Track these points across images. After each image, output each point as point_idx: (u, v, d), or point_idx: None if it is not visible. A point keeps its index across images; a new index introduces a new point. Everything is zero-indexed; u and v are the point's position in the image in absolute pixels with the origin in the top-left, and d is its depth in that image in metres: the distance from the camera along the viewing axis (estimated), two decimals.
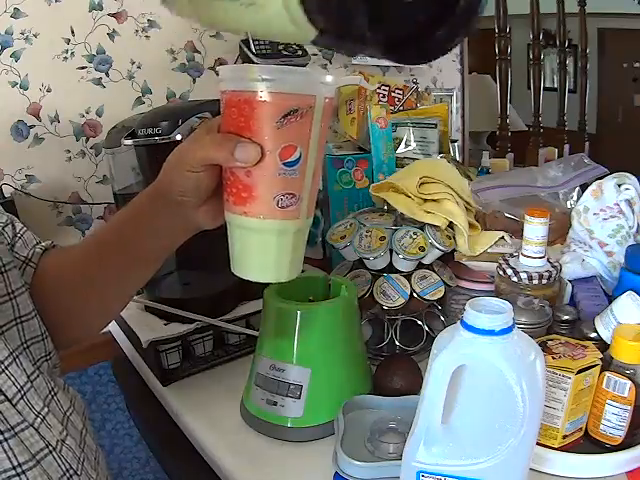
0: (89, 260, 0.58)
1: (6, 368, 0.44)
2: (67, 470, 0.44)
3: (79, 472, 0.46)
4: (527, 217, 0.70)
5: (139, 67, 1.10)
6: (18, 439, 0.42)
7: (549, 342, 0.58)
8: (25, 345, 0.49)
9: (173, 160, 0.50)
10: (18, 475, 0.41)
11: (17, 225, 0.60)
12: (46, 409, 0.46)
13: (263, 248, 0.48)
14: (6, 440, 0.41)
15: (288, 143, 0.44)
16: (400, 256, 0.73)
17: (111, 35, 1.06)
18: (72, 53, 1.02)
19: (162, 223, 0.52)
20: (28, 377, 0.45)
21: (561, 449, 0.55)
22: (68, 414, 0.49)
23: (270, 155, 0.44)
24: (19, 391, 0.44)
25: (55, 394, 0.49)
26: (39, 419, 0.45)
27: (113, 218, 0.57)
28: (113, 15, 1.06)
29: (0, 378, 0.43)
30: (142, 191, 0.53)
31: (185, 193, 0.48)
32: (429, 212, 0.76)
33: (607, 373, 0.55)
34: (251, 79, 0.44)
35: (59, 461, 0.44)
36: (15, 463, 0.41)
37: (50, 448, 0.44)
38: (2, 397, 0.42)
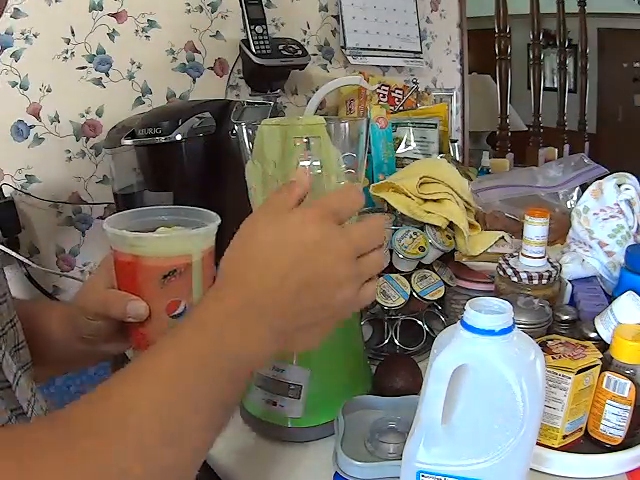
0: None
1: None
2: None
3: None
4: (527, 217, 0.70)
5: (139, 67, 1.10)
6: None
7: (549, 342, 0.58)
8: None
9: (79, 300, 0.54)
10: None
11: None
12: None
13: None
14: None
15: (172, 299, 0.48)
16: (400, 256, 0.73)
17: (111, 35, 1.06)
18: (72, 53, 1.02)
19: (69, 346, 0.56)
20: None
21: (561, 449, 0.55)
22: None
23: (157, 310, 0.48)
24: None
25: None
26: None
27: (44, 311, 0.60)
28: (113, 15, 1.06)
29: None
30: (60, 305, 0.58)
31: (89, 335, 0.53)
32: (429, 212, 0.76)
33: (607, 373, 0.55)
34: (129, 244, 0.48)
35: None
36: None
37: None
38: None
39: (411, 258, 0.73)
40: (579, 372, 0.53)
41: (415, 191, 0.77)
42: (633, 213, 0.74)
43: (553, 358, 0.55)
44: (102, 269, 0.54)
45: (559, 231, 0.85)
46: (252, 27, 1.11)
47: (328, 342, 0.62)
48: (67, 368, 0.70)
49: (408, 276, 0.75)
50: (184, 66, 1.16)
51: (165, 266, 0.47)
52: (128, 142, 0.82)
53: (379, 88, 1.30)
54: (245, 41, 1.13)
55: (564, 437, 0.55)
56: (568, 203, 0.95)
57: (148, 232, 0.50)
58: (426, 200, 0.78)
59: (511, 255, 0.74)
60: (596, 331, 0.61)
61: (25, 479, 0.29)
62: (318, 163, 0.55)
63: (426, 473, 0.44)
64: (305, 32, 1.34)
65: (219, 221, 0.51)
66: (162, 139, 0.79)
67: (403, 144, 1.13)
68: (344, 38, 1.38)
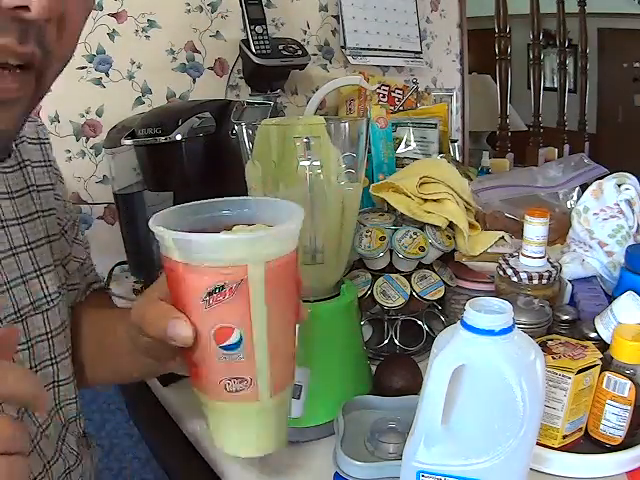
0: (100, 335, 0.59)
1: None
2: None
3: None
4: (527, 217, 0.70)
5: (139, 67, 1.10)
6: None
7: (549, 342, 0.58)
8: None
9: (133, 313, 0.43)
10: None
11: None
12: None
13: (224, 426, 0.42)
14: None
15: (222, 325, 0.36)
16: (400, 256, 0.73)
17: (111, 35, 1.06)
18: None
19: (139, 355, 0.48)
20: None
21: (561, 449, 0.55)
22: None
23: (204, 337, 0.37)
24: None
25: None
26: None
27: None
28: (113, 15, 1.06)
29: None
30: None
31: (147, 351, 0.45)
32: (429, 212, 0.76)
33: (607, 373, 0.55)
34: (166, 246, 0.37)
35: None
36: None
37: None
38: None
39: (411, 258, 0.73)
40: (579, 372, 0.53)
41: (415, 191, 0.77)
42: (633, 213, 0.74)
43: (553, 358, 0.55)
44: (164, 275, 0.43)
45: (559, 231, 0.85)
46: (252, 27, 1.11)
47: (328, 342, 0.62)
48: (133, 378, 0.64)
49: (408, 276, 0.75)
50: (184, 66, 1.16)
51: (208, 279, 0.35)
52: (128, 142, 0.82)
53: (379, 88, 1.30)
54: (245, 41, 1.13)
55: (564, 437, 0.55)
56: (568, 203, 0.95)
57: (223, 231, 0.38)
58: (426, 200, 0.78)
59: (511, 255, 0.74)
60: (596, 331, 0.61)
61: None
62: (318, 163, 0.55)
63: (426, 473, 0.44)
64: (305, 32, 1.34)
65: (298, 221, 0.38)
66: (162, 139, 0.79)
67: (403, 144, 1.13)
68: (344, 38, 1.38)
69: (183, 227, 0.38)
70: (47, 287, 0.53)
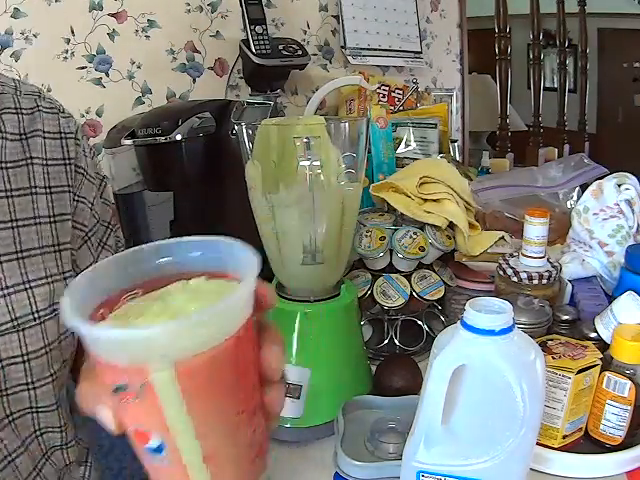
0: None
1: None
2: None
3: None
4: (527, 217, 0.70)
5: (139, 67, 1.10)
6: None
7: (549, 342, 0.58)
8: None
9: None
10: None
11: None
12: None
13: None
14: None
15: (137, 427, 0.29)
16: (400, 256, 0.73)
17: (111, 35, 1.06)
18: (72, 53, 1.02)
19: None
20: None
21: (561, 449, 0.55)
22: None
23: (129, 433, 0.30)
24: None
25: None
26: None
27: None
28: (113, 15, 1.06)
29: None
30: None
31: None
32: (429, 212, 0.76)
33: (607, 373, 0.55)
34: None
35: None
36: None
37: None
38: None
39: (411, 258, 0.73)
40: (579, 372, 0.53)
41: (415, 191, 0.77)
42: (633, 213, 0.75)
43: (553, 358, 0.55)
44: None
45: (559, 231, 0.85)
46: (252, 27, 1.11)
47: (328, 342, 0.62)
48: None
49: (408, 276, 0.75)
50: (184, 66, 1.16)
51: (109, 375, 0.27)
52: (128, 142, 0.82)
53: (379, 88, 1.30)
54: (245, 41, 1.13)
55: (564, 437, 0.55)
56: (568, 203, 0.95)
57: (181, 281, 0.30)
58: (426, 200, 0.78)
59: (511, 255, 0.74)
60: (596, 331, 0.61)
61: None
62: (318, 163, 0.55)
63: (426, 473, 0.44)
64: (305, 32, 1.34)
65: (241, 293, 0.27)
66: (162, 139, 0.79)
67: (403, 144, 1.13)
68: (344, 38, 1.38)
69: (120, 284, 0.30)
70: (36, 302, 0.47)
